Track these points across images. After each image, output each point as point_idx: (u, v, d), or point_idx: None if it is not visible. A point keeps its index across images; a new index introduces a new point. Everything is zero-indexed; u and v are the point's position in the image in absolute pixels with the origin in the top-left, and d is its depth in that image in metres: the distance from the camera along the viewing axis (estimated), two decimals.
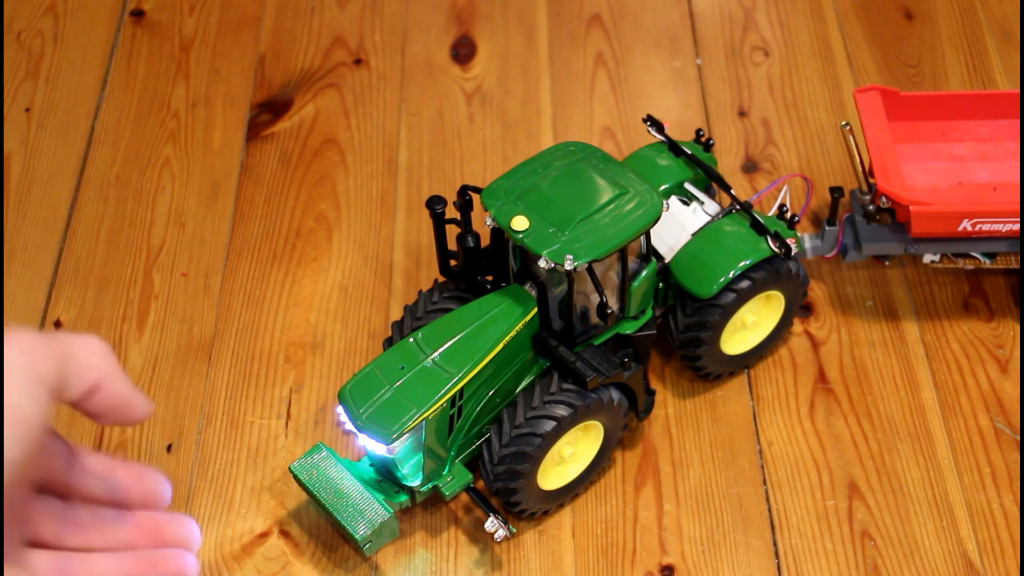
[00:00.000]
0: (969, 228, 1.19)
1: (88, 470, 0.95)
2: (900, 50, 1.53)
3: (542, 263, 1.03)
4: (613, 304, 1.10)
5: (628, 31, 1.56)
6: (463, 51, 1.55)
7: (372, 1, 1.60)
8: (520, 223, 1.04)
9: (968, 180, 1.28)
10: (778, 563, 1.11)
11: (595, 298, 1.08)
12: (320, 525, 1.13)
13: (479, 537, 1.12)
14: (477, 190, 1.10)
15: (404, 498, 1.08)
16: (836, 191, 1.23)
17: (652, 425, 1.20)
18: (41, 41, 1.55)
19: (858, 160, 1.23)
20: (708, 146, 1.25)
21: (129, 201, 1.39)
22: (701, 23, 1.57)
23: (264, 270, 1.33)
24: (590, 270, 1.03)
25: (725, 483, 1.16)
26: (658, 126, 1.24)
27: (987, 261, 1.24)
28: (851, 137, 1.23)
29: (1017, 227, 1.19)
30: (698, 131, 1.26)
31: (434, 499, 1.14)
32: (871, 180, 1.22)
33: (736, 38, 1.55)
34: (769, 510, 1.14)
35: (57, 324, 1.28)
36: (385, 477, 1.09)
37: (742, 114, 1.47)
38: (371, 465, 1.09)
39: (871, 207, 1.23)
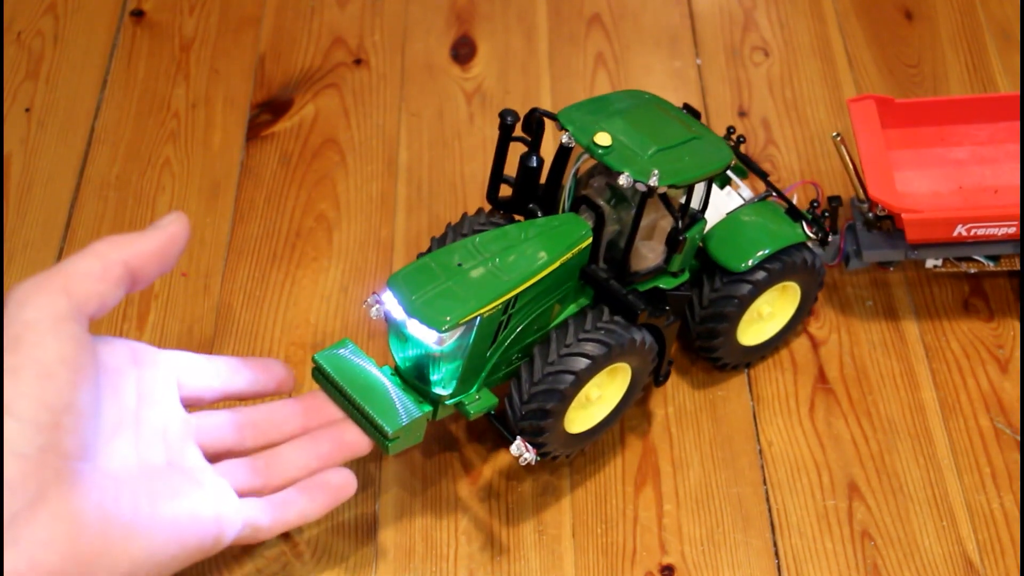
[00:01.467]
0: (964, 233, 1.19)
1: (222, 373, 0.99)
2: (900, 50, 1.53)
3: (623, 180, 1.02)
4: (660, 249, 1.10)
5: (628, 31, 1.56)
6: (463, 51, 1.55)
7: (372, 1, 1.60)
8: (604, 139, 1.04)
9: (968, 184, 1.28)
10: (778, 563, 1.11)
11: (647, 243, 1.09)
12: (319, 525, 1.13)
13: (480, 536, 1.12)
14: (550, 114, 1.10)
15: (428, 409, 1.05)
16: (834, 200, 1.23)
17: (652, 425, 1.20)
18: (41, 41, 1.55)
19: (852, 169, 1.23)
20: (739, 143, 1.27)
21: (129, 201, 1.39)
22: (701, 23, 1.57)
23: (264, 270, 1.33)
24: (664, 197, 1.03)
25: (725, 483, 1.16)
26: (695, 114, 1.25)
27: (990, 264, 1.24)
28: (843, 147, 1.23)
29: (1012, 230, 1.19)
30: (729, 128, 1.27)
31: (438, 496, 1.14)
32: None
33: (736, 38, 1.55)
34: (769, 510, 1.14)
35: None
36: (410, 385, 1.06)
37: (742, 114, 1.47)
38: (394, 374, 1.06)
39: (871, 215, 1.23)
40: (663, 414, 1.21)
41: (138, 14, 1.58)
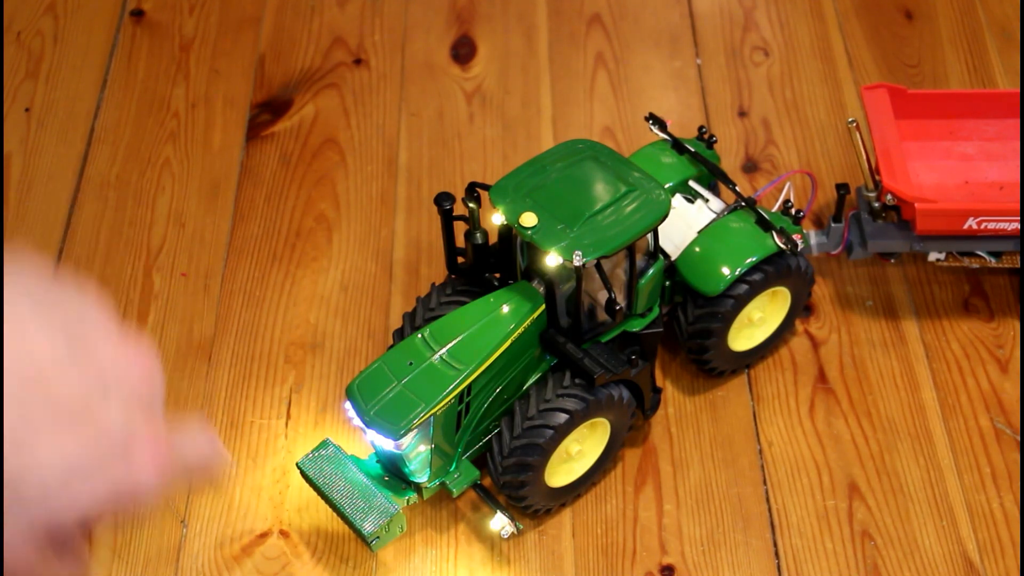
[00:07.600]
0: (975, 226, 1.19)
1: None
2: (900, 50, 1.53)
3: (551, 259, 1.03)
4: (621, 301, 1.10)
5: (628, 31, 1.56)
6: (463, 51, 1.55)
7: (372, 1, 1.60)
8: (529, 219, 1.04)
9: (975, 179, 1.28)
10: (778, 563, 1.11)
11: (603, 295, 1.08)
12: (320, 525, 1.14)
13: (480, 536, 1.12)
14: (485, 187, 1.10)
15: (412, 494, 1.08)
16: (842, 188, 1.23)
17: (652, 425, 1.20)
18: (41, 41, 1.55)
19: (864, 157, 1.23)
20: (711, 143, 1.25)
21: (129, 201, 1.39)
22: (701, 23, 1.57)
23: (264, 270, 1.33)
24: (598, 266, 1.03)
25: (725, 483, 1.16)
26: (660, 124, 1.24)
27: (992, 260, 1.24)
28: (857, 134, 1.22)
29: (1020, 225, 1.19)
30: (700, 128, 1.26)
31: (438, 497, 1.14)
32: (877, 177, 1.22)
33: (736, 38, 1.55)
34: (769, 510, 1.14)
35: None
36: (393, 473, 1.09)
37: (742, 114, 1.47)
38: (378, 462, 1.10)
39: (877, 204, 1.23)
40: (663, 414, 1.21)
41: (138, 14, 1.58)
